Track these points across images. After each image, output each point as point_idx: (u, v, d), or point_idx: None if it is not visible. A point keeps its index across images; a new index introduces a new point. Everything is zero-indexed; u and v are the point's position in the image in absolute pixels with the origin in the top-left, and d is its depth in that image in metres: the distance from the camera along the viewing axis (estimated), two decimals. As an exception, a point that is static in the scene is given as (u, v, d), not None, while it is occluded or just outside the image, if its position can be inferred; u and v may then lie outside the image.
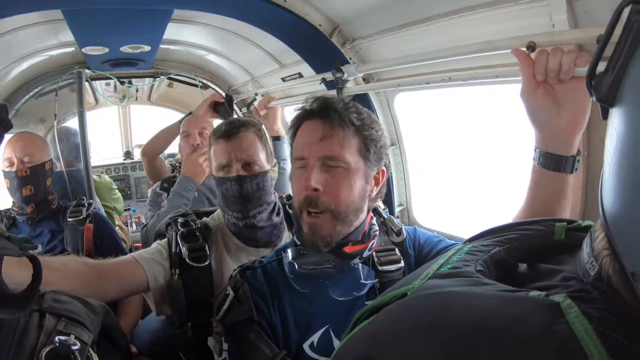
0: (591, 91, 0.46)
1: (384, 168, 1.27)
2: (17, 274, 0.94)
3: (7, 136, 2.54)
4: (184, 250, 1.49)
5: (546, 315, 0.44)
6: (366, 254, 1.25)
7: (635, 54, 0.40)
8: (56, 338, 0.96)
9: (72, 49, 2.88)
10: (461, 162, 2.27)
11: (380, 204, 1.45)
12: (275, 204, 1.65)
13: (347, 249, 1.21)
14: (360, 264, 1.23)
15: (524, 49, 1.08)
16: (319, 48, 2.12)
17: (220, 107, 3.33)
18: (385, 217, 1.41)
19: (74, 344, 0.96)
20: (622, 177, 0.41)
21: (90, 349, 1.00)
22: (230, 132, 1.59)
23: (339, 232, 1.20)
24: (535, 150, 1.07)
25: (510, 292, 0.50)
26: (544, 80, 1.00)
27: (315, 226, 1.18)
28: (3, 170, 2.15)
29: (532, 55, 1.04)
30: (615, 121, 0.42)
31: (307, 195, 1.17)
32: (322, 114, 1.19)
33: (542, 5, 1.10)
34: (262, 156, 1.61)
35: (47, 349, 0.93)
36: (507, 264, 0.62)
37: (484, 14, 1.24)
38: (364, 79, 2.13)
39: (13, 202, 2.21)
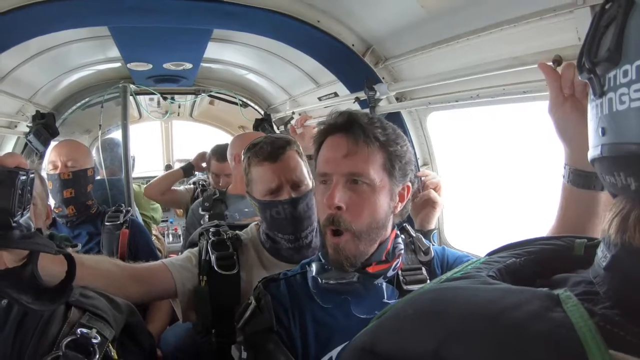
0: (582, 72, 0.47)
1: (409, 184, 1.24)
2: (51, 267, 0.98)
3: (53, 143, 2.71)
4: (213, 257, 1.51)
5: (543, 302, 0.44)
6: (390, 273, 1.21)
7: (633, 7, 0.42)
8: (78, 330, 0.99)
9: (119, 64, 3.03)
10: (497, 182, 2.21)
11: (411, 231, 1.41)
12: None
13: (371, 269, 1.18)
14: (384, 283, 1.20)
15: (550, 63, 1.06)
16: (353, 67, 2.14)
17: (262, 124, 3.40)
18: (414, 235, 1.38)
19: (95, 337, 0.99)
20: None
21: (110, 344, 1.03)
22: (276, 153, 1.54)
23: (363, 252, 1.18)
24: (564, 168, 1.03)
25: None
26: (571, 94, 0.97)
27: (339, 247, 1.17)
28: (47, 173, 2.27)
29: (559, 69, 1.02)
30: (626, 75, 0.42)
31: (330, 213, 1.16)
32: (346, 129, 1.17)
33: (568, 19, 1.08)
34: (306, 174, 1.58)
35: (68, 339, 0.97)
36: (523, 275, 0.61)
37: (510, 31, 1.23)
38: (396, 98, 2.12)
39: (55, 204, 2.32)
